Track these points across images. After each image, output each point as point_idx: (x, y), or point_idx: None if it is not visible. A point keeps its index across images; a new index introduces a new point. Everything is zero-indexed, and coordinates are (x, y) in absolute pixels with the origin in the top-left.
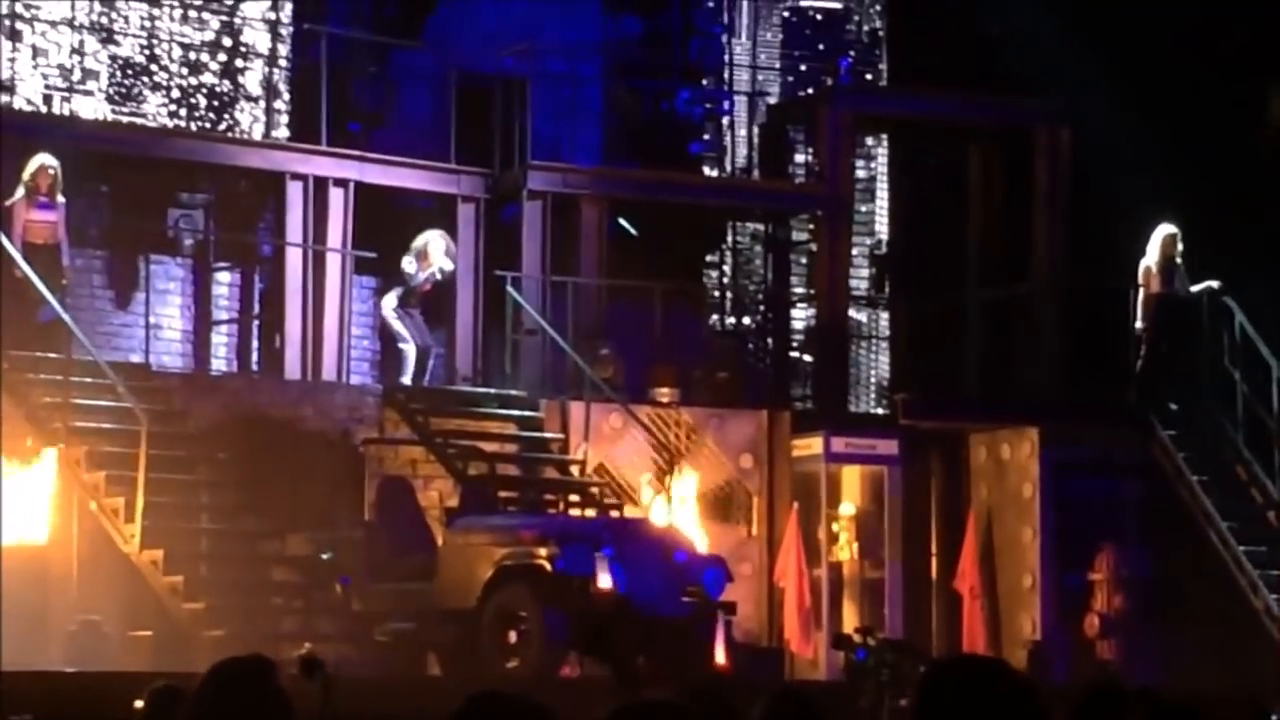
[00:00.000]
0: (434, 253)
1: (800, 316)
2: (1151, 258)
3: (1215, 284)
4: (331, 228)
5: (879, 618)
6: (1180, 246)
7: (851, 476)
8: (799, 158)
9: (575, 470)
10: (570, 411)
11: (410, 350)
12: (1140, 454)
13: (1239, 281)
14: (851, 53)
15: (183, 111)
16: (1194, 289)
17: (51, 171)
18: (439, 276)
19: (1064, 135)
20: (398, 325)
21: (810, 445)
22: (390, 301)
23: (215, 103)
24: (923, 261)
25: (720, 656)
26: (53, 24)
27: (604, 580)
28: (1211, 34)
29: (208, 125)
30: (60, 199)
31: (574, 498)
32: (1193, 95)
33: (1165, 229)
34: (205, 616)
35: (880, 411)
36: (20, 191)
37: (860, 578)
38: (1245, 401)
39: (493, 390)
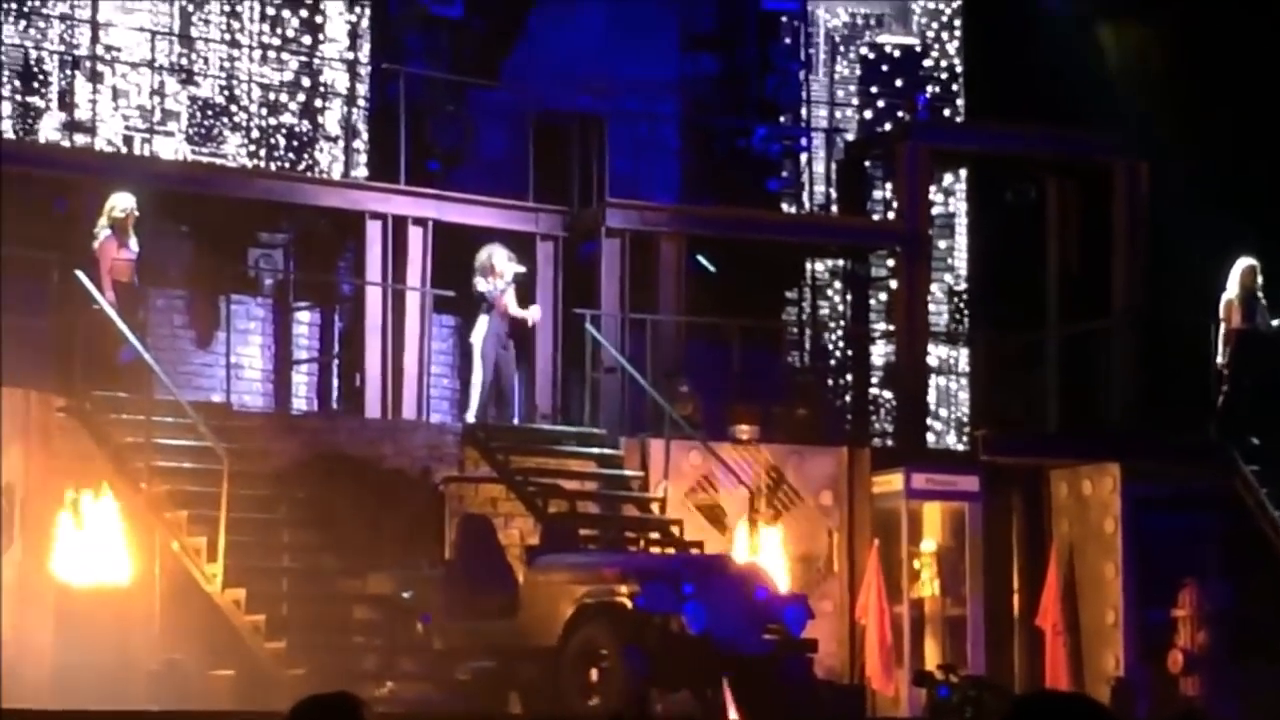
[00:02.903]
0: (499, 262)
1: (879, 353)
2: (1232, 291)
3: None
4: (410, 266)
5: (961, 655)
6: (1260, 280)
7: (932, 513)
8: (877, 194)
9: (655, 508)
10: (650, 449)
11: (478, 384)
12: (1222, 489)
13: None
14: (929, 88)
15: (262, 151)
16: (1275, 323)
17: (137, 212)
18: (513, 285)
19: (1142, 169)
20: (480, 358)
21: (890, 482)
22: (482, 329)
23: (294, 143)
24: (1002, 296)
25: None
26: (133, 65)
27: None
28: None
29: (287, 165)
30: (134, 239)
31: (654, 535)
32: (1273, 126)
33: (1245, 262)
34: (287, 655)
35: (960, 448)
36: (107, 231)
37: (942, 614)
38: None
39: (572, 428)
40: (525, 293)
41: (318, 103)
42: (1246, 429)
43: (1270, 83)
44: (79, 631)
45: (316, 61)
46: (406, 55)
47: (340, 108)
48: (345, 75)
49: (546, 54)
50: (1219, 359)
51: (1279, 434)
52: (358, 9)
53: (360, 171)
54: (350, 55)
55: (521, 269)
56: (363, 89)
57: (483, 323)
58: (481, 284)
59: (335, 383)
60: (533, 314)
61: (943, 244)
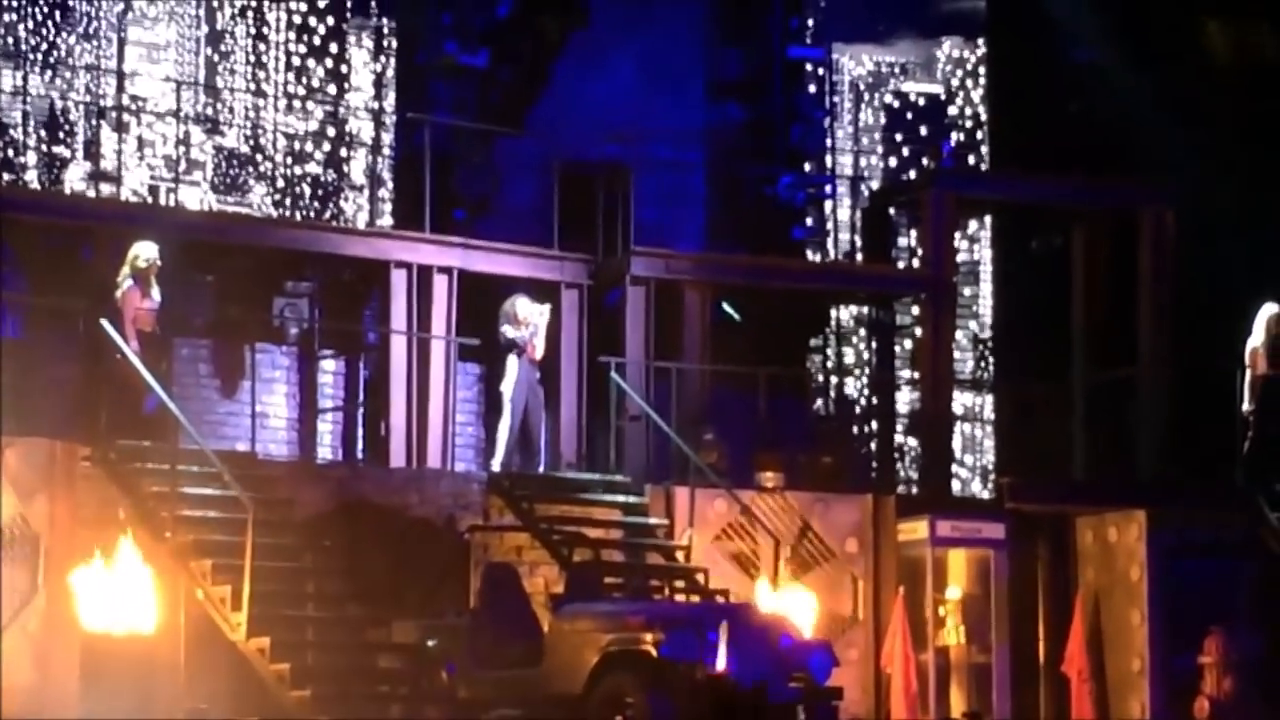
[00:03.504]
0: (522, 308)
1: (904, 400)
2: (1257, 338)
3: None
4: (435, 315)
5: (987, 702)
6: None
7: (957, 560)
8: (902, 241)
9: (680, 556)
10: (675, 497)
11: (504, 432)
12: (1248, 536)
13: None
14: (953, 136)
15: (287, 201)
16: None
17: (159, 262)
18: (539, 328)
19: (1168, 217)
20: (508, 405)
21: (915, 529)
22: (512, 375)
23: (319, 192)
24: (1027, 344)
25: None
26: (159, 115)
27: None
28: None
29: (312, 214)
30: (155, 289)
31: (679, 583)
32: None
33: (1271, 309)
34: (312, 704)
35: (986, 495)
36: (130, 280)
37: (967, 662)
38: None
39: (597, 476)
40: (552, 335)
41: (343, 152)
42: (1272, 475)
43: None
44: (104, 681)
45: (342, 111)
46: (432, 104)
47: (365, 157)
48: (370, 124)
49: (572, 103)
50: (1244, 405)
51: None
52: (383, 58)
53: (385, 220)
54: (375, 104)
55: (545, 309)
56: (388, 138)
57: (512, 368)
58: (510, 332)
59: (360, 431)
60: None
61: (968, 291)
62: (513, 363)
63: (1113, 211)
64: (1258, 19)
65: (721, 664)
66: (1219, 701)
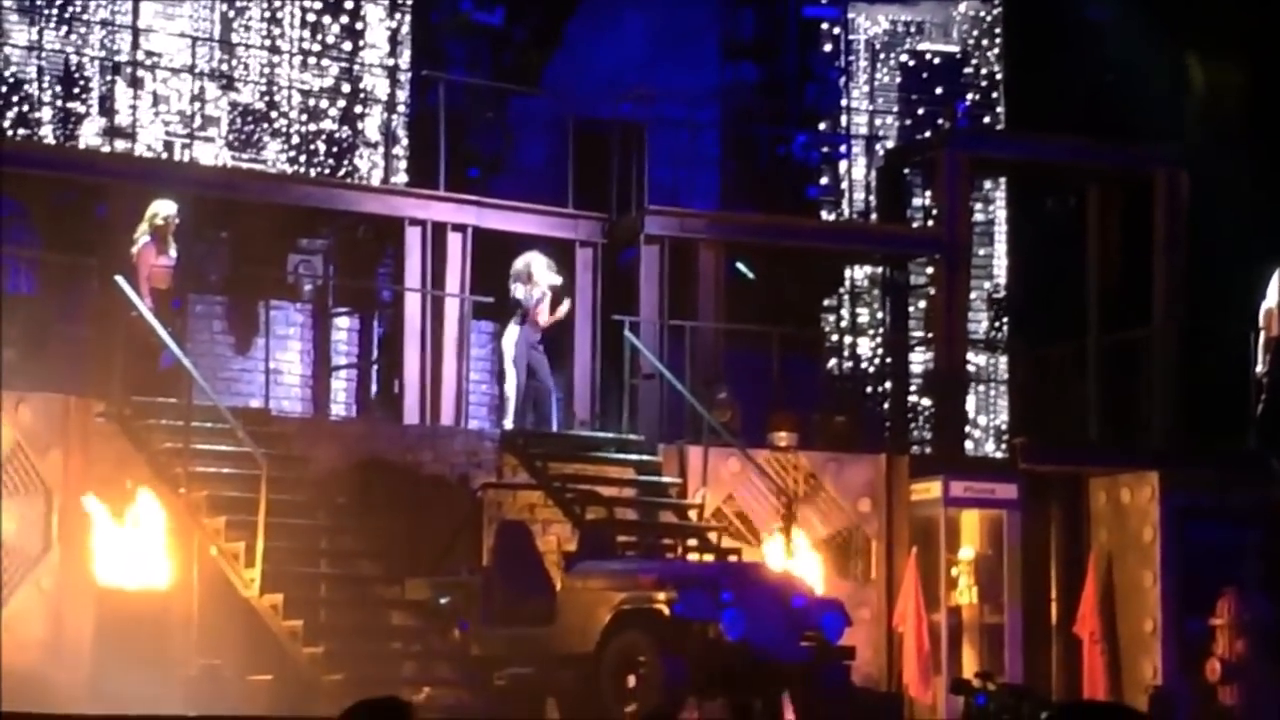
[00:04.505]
0: (537, 270)
1: (918, 360)
2: (1272, 300)
3: None
4: (450, 272)
5: (998, 663)
6: None
7: (970, 521)
8: (916, 201)
9: (693, 515)
10: (688, 456)
11: (512, 388)
12: (1261, 498)
13: None
14: (969, 96)
15: (302, 158)
16: None
17: (177, 220)
18: (549, 293)
19: (1182, 179)
20: (511, 364)
21: (929, 489)
22: (513, 335)
23: (334, 149)
24: (1041, 305)
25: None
26: (174, 71)
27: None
28: None
29: (327, 171)
30: (174, 246)
31: (692, 542)
32: None
33: None
34: (325, 661)
35: (999, 456)
36: (147, 237)
37: (980, 622)
38: None
39: (610, 434)
40: (566, 336)
41: (358, 109)
42: None
43: None
44: (117, 636)
45: (357, 68)
46: (447, 62)
47: (380, 114)
48: (385, 82)
49: (587, 62)
50: (1258, 368)
51: None
52: (398, 15)
53: (400, 178)
54: (391, 61)
55: (559, 280)
56: (403, 95)
57: (513, 330)
58: (518, 291)
59: (374, 388)
60: (563, 309)
61: (982, 252)
62: (514, 324)
63: (1127, 173)
64: None
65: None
66: (1231, 663)
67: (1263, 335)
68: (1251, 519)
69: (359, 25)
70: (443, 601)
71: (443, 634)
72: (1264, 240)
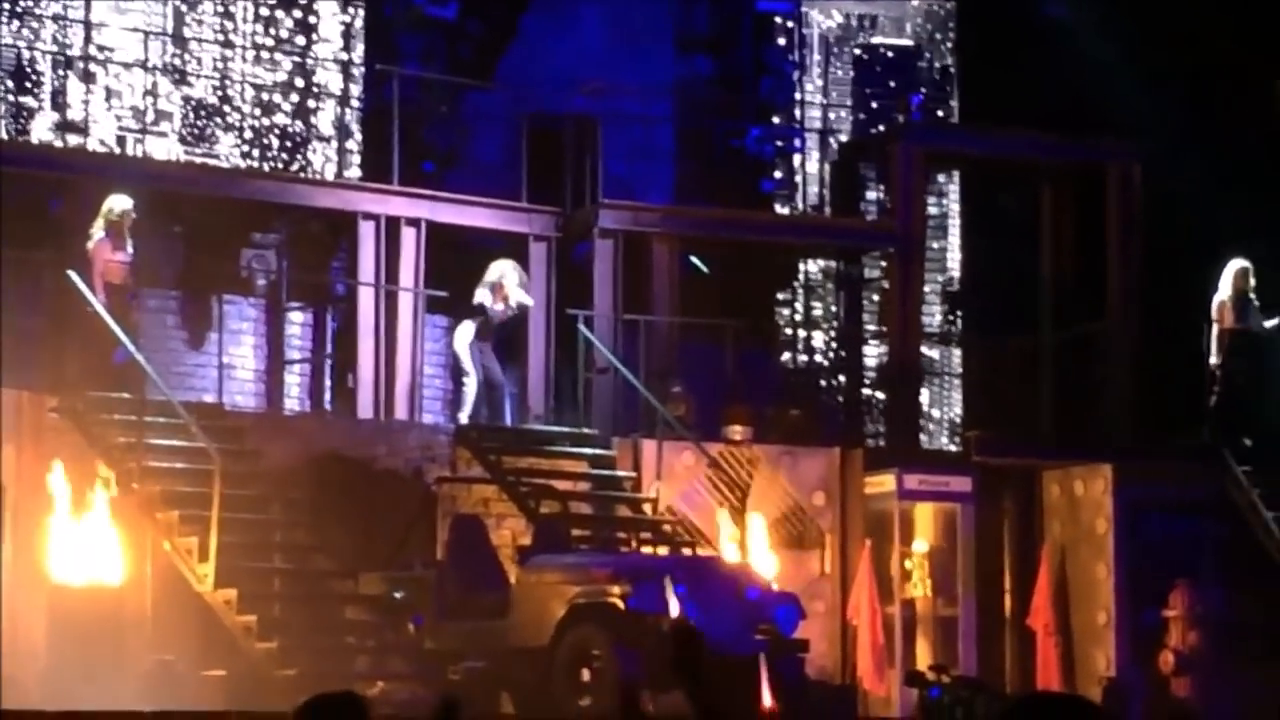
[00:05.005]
0: (509, 285)
1: (872, 353)
2: (1224, 293)
3: None
4: (404, 267)
5: (952, 655)
6: (1253, 281)
7: (924, 514)
8: (870, 195)
9: (647, 508)
10: (642, 449)
11: (472, 386)
12: (1215, 490)
13: None
14: (923, 90)
15: (255, 152)
16: (1267, 324)
17: (133, 215)
18: (515, 310)
19: (1135, 172)
20: (468, 360)
21: (883, 482)
22: (465, 334)
23: (288, 143)
24: (995, 299)
25: (767, 699)
26: (126, 66)
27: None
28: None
29: (280, 165)
30: (130, 241)
31: (646, 535)
32: (1264, 128)
33: (1237, 263)
34: (278, 656)
35: (953, 449)
36: (102, 232)
37: (933, 615)
38: None
39: (565, 428)
40: (520, 331)
41: (311, 103)
42: (1239, 430)
43: (1264, 83)
44: (71, 632)
45: (310, 62)
46: (401, 56)
47: (334, 108)
48: (339, 76)
49: (541, 56)
50: (1211, 360)
51: (1271, 435)
52: (351, 10)
53: (353, 172)
54: (344, 56)
55: (529, 302)
56: (356, 90)
57: (466, 329)
58: (484, 297)
59: (328, 383)
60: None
61: (936, 245)
62: (468, 325)
63: (1081, 166)
64: None
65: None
66: (1184, 655)
67: (1215, 328)
68: (1205, 511)
69: (312, 19)
70: (397, 596)
71: (397, 628)
72: (1219, 231)
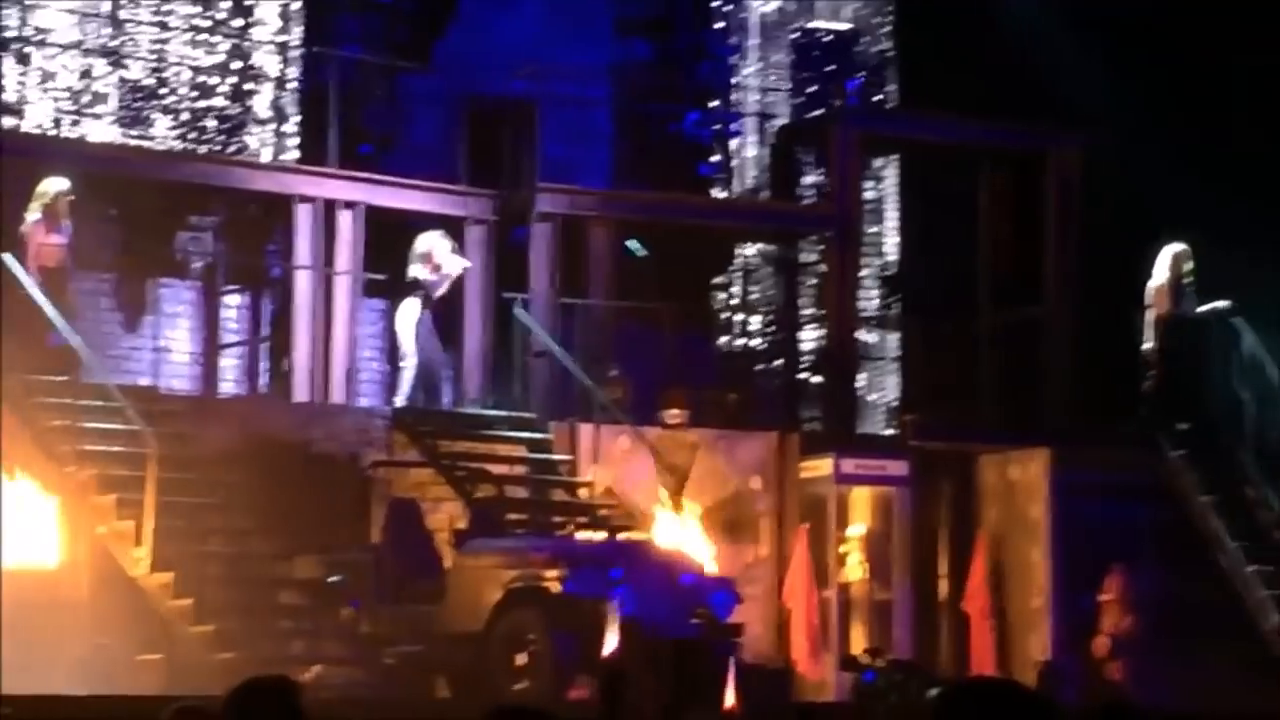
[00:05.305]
0: (439, 253)
1: (810, 338)
2: (1159, 278)
3: (1224, 304)
4: (340, 250)
5: (888, 639)
6: (1189, 266)
7: (861, 498)
8: (808, 179)
9: (584, 492)
10: (579, 433)
11: (409, 368)
12: (1150, 475)
13: (1248, 300)
14: (861, 74)
15: (192, 134)
16: (1202, 309)
17: (69, 197)
18: (452, 277)
19: (1074, 157)
20: (409, 341)
21: (819, 467)
22: (409, 314)
23: (224, 125)
24: (933, 283)
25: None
26: (62, 47)
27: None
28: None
29: (217, 148)
30: (67, 223)
31: (582, 520)
32: (1203, 114)
33: (1173, 248)
34: (214, 640)
35: (890, 433)
36: (37, 215)
37: (869, 599)
38: (1254, 422)
39: (501, 412)
40: (458, 315)
41: (248, 86)
42: (1175, 415)
43: (1203, 69)
44: (7, 616)
45: (247, 44)
46: (338, 38)
47: (271, 91)
48: (276, 58)
49: (479, 38)
50: (1147, 346)
51: (1206, 420)
52: None
53: (291, 155)
54: (281, 38)
55: (467, 264)
56: (294, 72)
57: (409, 307)
58: (419, 271)
59: (264, 367)
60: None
61: (873, 229)
62: (411, 302)
63: (1020, 151)
64: None
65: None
66: (1119, 639)
67: (1151, 312)
68: (1141, 496)
69: (249, 1)
70: (333, 580)
71: (333, 612)
72: (1155, 218)
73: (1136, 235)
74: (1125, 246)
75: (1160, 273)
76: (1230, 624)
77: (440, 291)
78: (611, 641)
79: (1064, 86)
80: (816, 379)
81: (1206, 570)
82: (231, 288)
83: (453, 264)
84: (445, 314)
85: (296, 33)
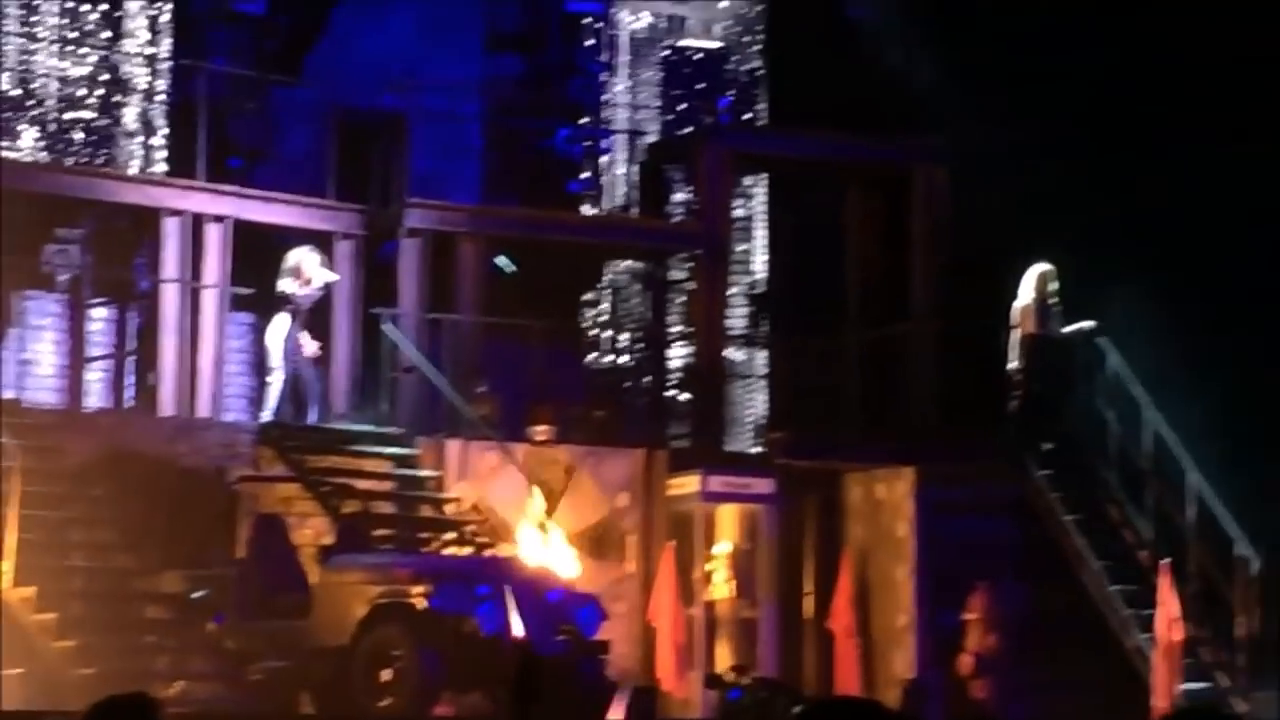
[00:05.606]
0: (309, 267)
1: (678, 355)
2: (1025, 297)
3: (1089, 324)
4: (208, 264)
5: (753, 657)
6: (1053, 286)
7: (728, 515)
8: (677, 196)
9: (451, 508)
10: (446, 449)
11: (276, 383)
12: (1015, 494)
13: (1113, 320)
14: (730, 92)
15: (59, 146)
16: (1067, 329)
17: None
18: (323, 289)
19: (940, 176)
20: (278, 355)
21: (686, 484)
22: (280, 328)
23: (92, 138)
24: (801, 301)
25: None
26: None
27: (480, 620)
28: (1088, 74)
29: (85, 160)
30: None
31: (449, 536)
32: (1069, 135)
33: (1038, 268)
34: (77, 655)
35: (757, 451)
36: None
37: (735, 617)
38: (1118, 441)
39: (369, 428)
40: (325, 328)
41: (117, 97)
42: (1038, 434)
43: (1069, 88)
44: None
45: (116, 56)
46: (208, 51)
47: (139, 103)
48: (145, 70)
49: (350, 51)
50: (1012, 365)
51: (1070, 440)
52: (159, 4)
53: (159, 168)
54: (150, 50)
55: (334, 277)
56: (162, 84)
57: (280, 322)
58: (289, 285)
59: (130, 380)
60: (310, 348)
61: (742, 247)
62: (282, 316)
63: (887, 169)
64: None
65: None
66: (983, 657)
67: (1017, 332)
68: (1005, 515)
69: (118, 13)
70: (198, 595)
71: (198, 627)
72: (1021, 237)
73: (1003, 254)
74: (992, 265)
75: (1026, 292)
76: (1094, 642)
77: (310, 303)
78: (517, 627)
79: (930, 105)
80: (684, 396)
81: (1070, 589)
82: (98, 300)
83: (321, 275)
84: (314, 329)
85: (165, 45)
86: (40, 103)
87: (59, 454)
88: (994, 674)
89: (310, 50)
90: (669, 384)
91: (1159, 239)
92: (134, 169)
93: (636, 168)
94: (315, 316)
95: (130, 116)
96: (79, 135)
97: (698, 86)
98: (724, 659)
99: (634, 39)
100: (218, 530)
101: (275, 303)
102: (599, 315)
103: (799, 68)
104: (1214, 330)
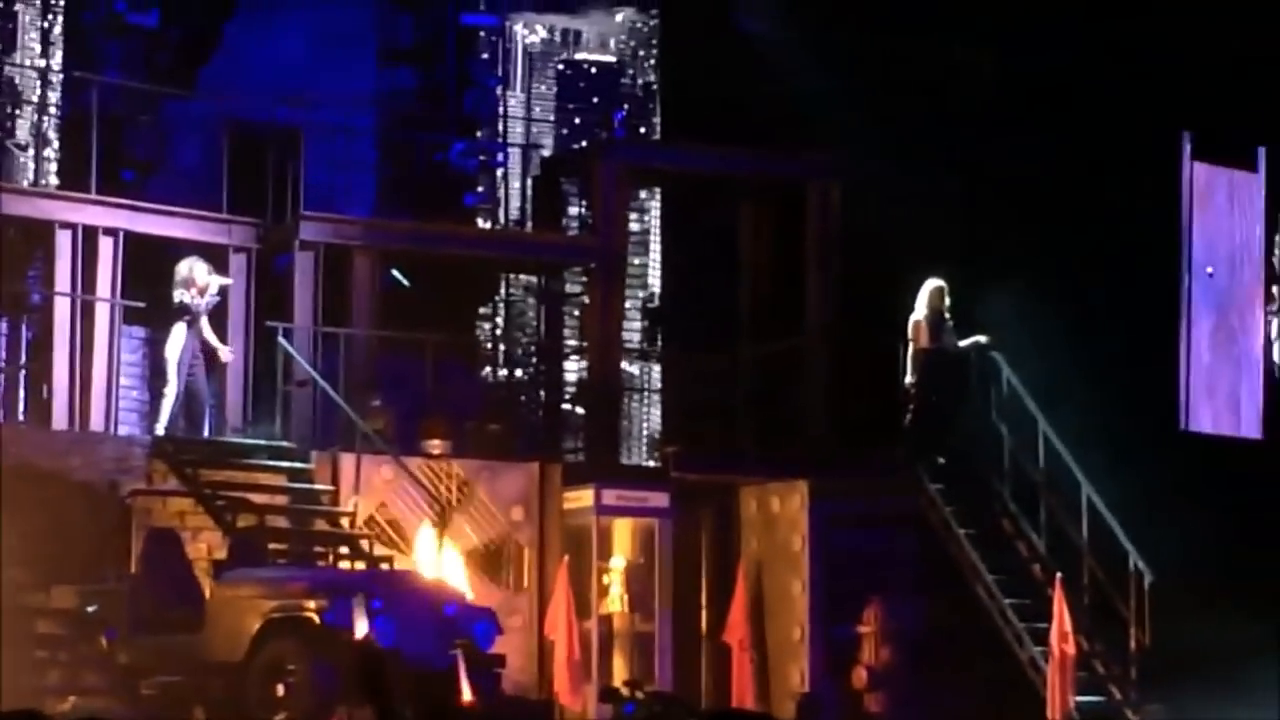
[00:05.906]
0: (200, 275)
1: (573, 369)
2: (919, 312)
3: (983, 338)
4: (101, 277)
5: (649, 670)
6: (948, 300)
7: (623, 529)
8: (572, 210)
9: (345, 522)
10: (341, 463)
11: (170, 396)
12: (909, 507)
13: (1007, 335)
14: (626, 106)
15: None
16: (962, 343)
17: None
18: (217, 296)
19: (834, 191)
20: (173, 368)
21: (581, 498)
22: (177, 340)
23: None
24: (695, 315)
25: (466, 693)
26: None
27: (364, 630)
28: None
29: None
30: None
31: (344, 550)
32: (961, 150)
33: (932, 283)
34: None
35: (652, 464)
36: None
37: (630, 631)
38: (1012, 456)
39: (263, 441)
40: (220, 305)
41: (8, 109)
42: (932, 448)
43: (961, 103)
44: None
45: (7, 69)
46: (101, 63)
47: (31, 115)
48: (36, 82)
49: (243, 64)
50: (907, 379)
51: (964, 453)
52: (51, 16)
53: (51, 180)
54: (42, 62)
55: (227, 281)
56: (55, 97)
57: (178, 333)
58: (184, 296)
59: (22, 394)
60: (224, 353)
61: (637, 261)
62: (179, 328)
63: (781, 183)
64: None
65: (362, 631)
66: (877, 671)
67: (911, 346)
68: (899, 528)
69: (10, 25)
70: (90, 609)
71: (90, 642)
72: (915, 251)
73: (897, 268)
74: (885, 279)
75: (920, 307)
76: (988, 656)
77: (206, 311)
78: (361, 627)
79: (824, 120)
80: (579, 410)
81: (965, 602)
82: None
83: (214, 282)
84: (218, 334)
85: (58, 58)
86: None
87: None
88: (888, 687)
89: (203, 63)
90: (564, 398)
91: (1052, 251)
92: (25, 181)
93: (531, 181)
94: (215, 323)
95: (22, 129)
96: None
97: (593, 100)
98: (620, 673)
99: (529, 53)
100: (110, 545)
101: (171, 315)
102: (494, 329)
103: (694, 82)
104: (1105, 340)
